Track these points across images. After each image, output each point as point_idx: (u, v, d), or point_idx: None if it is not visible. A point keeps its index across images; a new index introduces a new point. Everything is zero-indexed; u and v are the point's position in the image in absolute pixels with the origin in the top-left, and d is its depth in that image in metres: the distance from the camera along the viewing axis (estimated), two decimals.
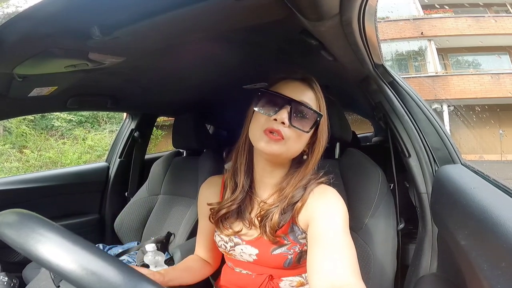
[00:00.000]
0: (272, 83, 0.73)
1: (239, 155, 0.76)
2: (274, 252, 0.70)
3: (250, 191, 0.75)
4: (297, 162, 0.73)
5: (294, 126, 0.66)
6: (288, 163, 0.74)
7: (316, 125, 0.68)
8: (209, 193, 0.83)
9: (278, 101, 0.67)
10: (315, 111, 0.68)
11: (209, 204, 0.78)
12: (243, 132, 0.75)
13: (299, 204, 0.69)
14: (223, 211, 0.74)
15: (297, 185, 0.70)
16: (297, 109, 0.66)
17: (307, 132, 0.67)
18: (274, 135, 0.65)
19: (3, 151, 6.65)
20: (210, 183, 0.86)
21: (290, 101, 0.66)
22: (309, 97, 0.70)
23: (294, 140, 0.67)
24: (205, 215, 0.80)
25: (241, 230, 0.74)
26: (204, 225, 0.85)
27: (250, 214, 0.75)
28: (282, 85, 0.71)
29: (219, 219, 0.75)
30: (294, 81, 0.71)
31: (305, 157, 0.73)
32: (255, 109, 0.69)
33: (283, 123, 0.64)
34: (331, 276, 0.56)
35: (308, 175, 0.72)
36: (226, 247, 0.77)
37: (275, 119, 0.65)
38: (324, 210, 0.66)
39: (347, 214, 0.67)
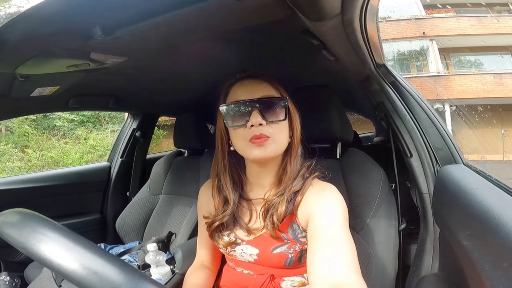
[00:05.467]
0: (226, 94, 0.73)
1: (221, 173, 0.76)
2: (275, 251, 0.70)
3: (242, 200, 0.76)
4: (285, 150, 0.73)
5: (272, 121, 0.67)
6: (280, 155, 0.73)
7: (287, 108, 0.69)
8: (209, 195, 0.83)
9: (243, 108, 0.67)
10: (279, 98, 0.69)
11: (205, 217, 0.79)
12: (218, 151, 0.76)
13: (299, 198, 0.69)
14: (216, 223, 0.75)
15: (293, 167, 0.71)
16: (264, 105, 0.67)
17: (285, 119, 0.69)
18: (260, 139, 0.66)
19: (6, 150, 6.69)
20: (209, 186, 0.86)
21: (254, 102, 0.67)
22: (265, 87, 0.70)
23: (279, 132, 0.68)
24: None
25: (239, 236, 0.75)
26: (204, 226, 0.85)
27: (247, 224, 0.74)
28: (236, 91, 0.71)
29: (214, 230, 0.76)
30: (243, 81, 0.72)
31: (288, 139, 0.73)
32: (229, 126, 0.69)
33: (260, 124, 0.65)
34: (331, 274, 0.56)
35: (298, 155, 0.73)
36: (226, 248, 0.77)
37: (252, 125, 0.65)
38: (324, 207, 0.66)
39: (347, 211, 0.67)
